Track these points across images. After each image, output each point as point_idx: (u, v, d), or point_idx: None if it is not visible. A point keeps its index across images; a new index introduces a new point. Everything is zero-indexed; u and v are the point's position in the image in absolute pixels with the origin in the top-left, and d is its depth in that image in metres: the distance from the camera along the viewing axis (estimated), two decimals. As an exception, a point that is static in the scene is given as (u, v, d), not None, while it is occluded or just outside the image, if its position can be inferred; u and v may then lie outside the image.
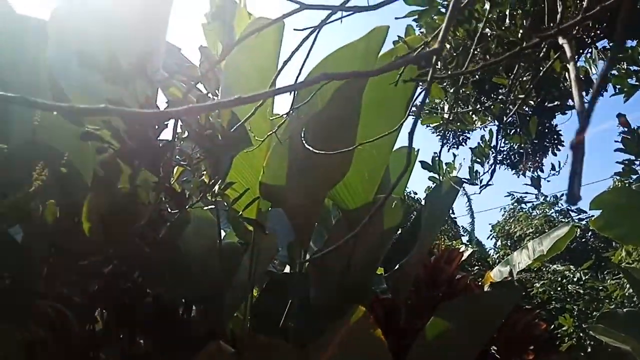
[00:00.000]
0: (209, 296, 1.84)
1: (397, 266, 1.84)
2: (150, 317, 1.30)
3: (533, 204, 9.30)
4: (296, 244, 2.12)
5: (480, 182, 2.12)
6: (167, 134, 1.34)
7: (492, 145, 2.00)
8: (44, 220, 1.03)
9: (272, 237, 2.07)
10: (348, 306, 1.28)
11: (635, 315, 2.99)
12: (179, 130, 1.24)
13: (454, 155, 2.36)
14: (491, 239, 10.47)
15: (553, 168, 1.90)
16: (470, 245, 7.87)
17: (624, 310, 3.27)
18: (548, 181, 2.04)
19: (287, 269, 2.54)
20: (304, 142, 1.19)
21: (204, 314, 1.81)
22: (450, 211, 9.60)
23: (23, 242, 1.09)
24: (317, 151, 1.08)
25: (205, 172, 1.18)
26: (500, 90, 2.00)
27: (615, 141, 2.26)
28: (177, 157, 1.23)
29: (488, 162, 2.10)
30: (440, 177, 2.15)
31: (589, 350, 3.52)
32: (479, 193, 1.78)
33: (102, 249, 1.13)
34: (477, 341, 1.45)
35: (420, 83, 1.51)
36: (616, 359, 2.20)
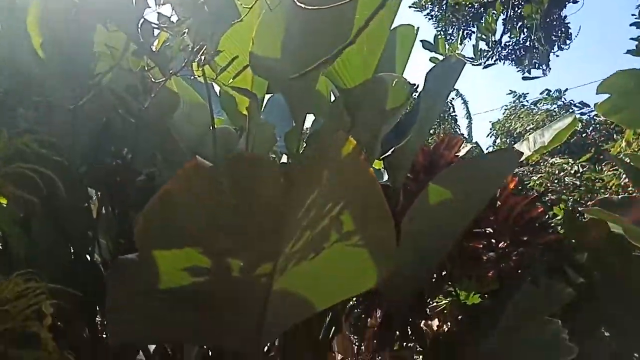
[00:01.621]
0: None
1: (393, 149, 1.80)
2: (144, 196, 1.27)
3: (535, 100, 9.15)
4: (294, 132, 2.06)
5: (486, 60, 2.02)
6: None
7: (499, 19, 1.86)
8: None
9: (269, 126, 2.01)
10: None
11: (628, 201, 3.01)
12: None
13: (458, 36, 2.21)
14: (490, 137, 10.49)
15: (569, 37, 1.78)
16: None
17: (619, 196, 3.32)
18: (557, 56, 1.93)
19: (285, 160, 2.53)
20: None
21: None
22: (451, 110, 9.50)
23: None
24: (313, 7, 0.98)
25: (187, 34, 1.08)
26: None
27: (632, 14, 2.11)
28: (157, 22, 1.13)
29: (493, 39, 1.98)
30: (442, 57, 2.04)
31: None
32: (483, 67, 1.68)
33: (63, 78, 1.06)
34: (475, 205, 1.45)
35: None
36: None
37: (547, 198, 4.71)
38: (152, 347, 1.80)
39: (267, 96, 2.19)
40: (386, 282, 1.61)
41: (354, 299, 2.24)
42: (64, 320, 1.15)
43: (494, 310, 1.73)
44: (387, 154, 1.77)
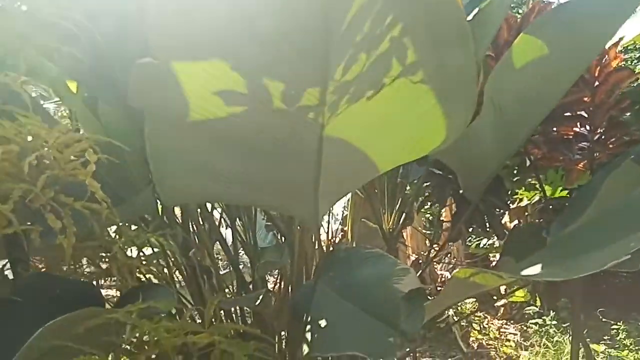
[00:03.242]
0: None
1: (473, 15, 1.56)
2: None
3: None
4: None
5: None
6: None
7: None
8: None
9: None
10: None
11: None
12: None
13: None
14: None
15: None
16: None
17: None
18: None
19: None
20: None
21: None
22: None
23: None
24: None
25: None
26: None
27: None
28: None
29: None
30: None
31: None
32: None
33: None
34: (575, 65, 1.21)
35: None
36: None
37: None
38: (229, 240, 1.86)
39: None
40: (462, 164, 1.48)
41: (426, 192, 2.15)
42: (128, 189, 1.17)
43: (585, 195, 1.54)
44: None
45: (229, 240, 1.85)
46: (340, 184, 0.95)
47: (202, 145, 0.78)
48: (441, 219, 3.83)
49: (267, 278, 2.27)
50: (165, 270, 1.48)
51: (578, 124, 1.97)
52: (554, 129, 1.94)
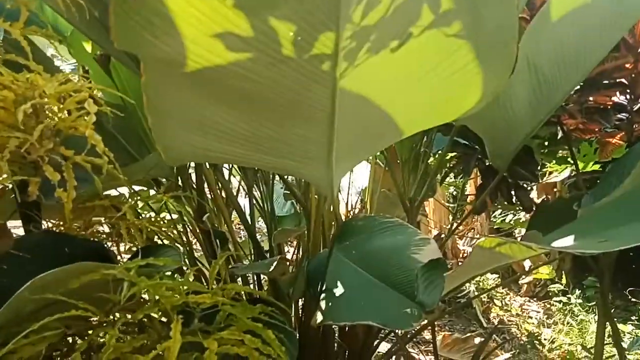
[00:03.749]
0: None
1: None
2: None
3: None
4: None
5: None
6: None
7: None
8: None
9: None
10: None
11: None
12: None
13: None
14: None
15: None
16: None
17: None
18: None
19: None
20: None
21: None
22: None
23: None
24: None
25: None
26: None
27: None
28: None
29: None
30: None
31: None
32: None
33: None
34: (622, 21, 1.10)
35: None
36: None
37: None
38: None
39: None
40: (492, 129, 1.39)
41: (450, 162, 2.07)
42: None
43: (621, 168, 1.44)
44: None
45: (247, 209, 1.83)
46: (357, 146, 0.88)
47: (202, 98, 0.71)
48: (465, 193, 3.73)
49: (285, 248, 2.24)
50: (182, 236, 1.46)
51: (617, 92, 1.85)
52: (591, 97, 1.82)
